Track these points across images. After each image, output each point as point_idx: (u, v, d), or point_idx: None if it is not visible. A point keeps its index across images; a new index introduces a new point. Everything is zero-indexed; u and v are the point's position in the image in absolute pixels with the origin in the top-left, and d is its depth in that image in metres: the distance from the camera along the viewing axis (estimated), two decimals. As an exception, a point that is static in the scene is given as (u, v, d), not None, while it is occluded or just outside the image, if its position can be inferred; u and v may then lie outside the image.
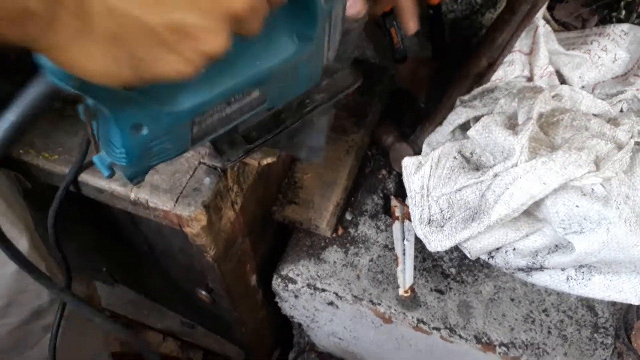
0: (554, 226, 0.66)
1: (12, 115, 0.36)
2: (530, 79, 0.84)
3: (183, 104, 0.42)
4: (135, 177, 0.50)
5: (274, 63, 0.46)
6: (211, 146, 0.60)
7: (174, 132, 0.45)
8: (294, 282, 0.91)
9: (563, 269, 0.71)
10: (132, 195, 0.66)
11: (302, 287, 0.91)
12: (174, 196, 0.65)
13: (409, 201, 0.76)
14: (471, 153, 0.72)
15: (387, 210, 0.96)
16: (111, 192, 0.67)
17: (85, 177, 0.67)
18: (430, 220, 0.72)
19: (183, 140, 0.47)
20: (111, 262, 1.16)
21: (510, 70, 0.83)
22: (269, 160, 0.66)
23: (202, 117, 0.46)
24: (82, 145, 0.63)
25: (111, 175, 0.48)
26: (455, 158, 0.72)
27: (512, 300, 0.85)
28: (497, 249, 0.75)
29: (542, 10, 0.87)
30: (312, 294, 0.91)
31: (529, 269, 0.74)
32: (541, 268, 0.71)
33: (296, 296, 0.94)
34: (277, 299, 0.99)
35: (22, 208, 0.70)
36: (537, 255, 0.71)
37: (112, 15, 0.28)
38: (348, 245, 0.93)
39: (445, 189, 0.71)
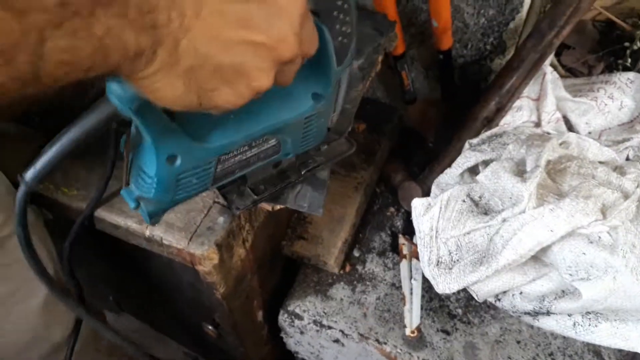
0: (560, 272, 0.67)
1: (75, 131, 0.42)
2: (537, 124, 0.86)
3: (214, 142, 0.49)
4: (156, 215, 0.54)
5: (292, 116, 0.54)
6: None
7: (202, 167, 0.50)
8: (300, 318, 0.92)
9: (570, 315, 0.71)
10: (147, 233, 0.67)
11: (309, 323, 0.91)
12: (188, 234, 0.66)
13: (417, 242, 0.77)
14: (480, 197, 0.73)
15: (395, 248, 0.97)
16: (127, 228, 0.68)
17: (102, 213, 0.68)
18: (438, 261, 0.73)
19: (207, 176, 0.52)
20: (119, 292, 1.16)
21: (518, 115, 0.85)
22: (279, 206, 0.69)
23: (227, 156, 0.52)
24: (99, 182, 0.65)
25: (136, 208, 0.52)
26: (464, 201, 0.73)
27: (518, 342, 0.85)
28: (504, 292, 0.75)
29: (551, 57, 0.89)
30: (318, 330, 0.91)
31: (535, 313, 0.74)
32: (548, 313, 0.72)
33: (302, 332, 0.94)
34: (282, 335, 0.99)
35: (47, 238, 0.73)
36: (544, 300, 0.71)
37: (195, 55, 0.35)
38: (355, 282, 0.94)
39: (454, 231, 0.72)
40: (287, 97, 0.53)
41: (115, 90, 0.38)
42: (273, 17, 0.37)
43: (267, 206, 0.71)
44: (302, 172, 0.68)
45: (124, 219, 0.68)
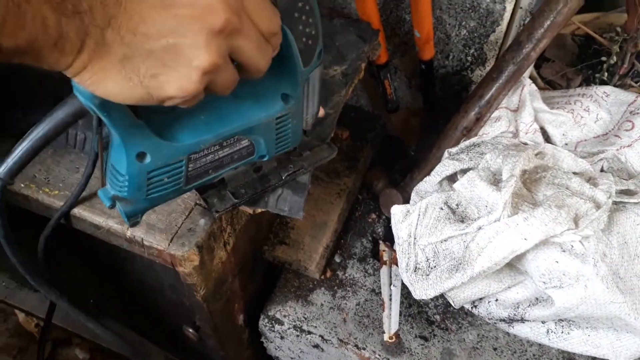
0: (534, 280, 0.68)
1: (43, 127, 0.44)
2: (515, 135, 0.88)
3: (182, 140, 0.50)
4: (134, 216, 0.55)
5: (262, 116, 0.55)
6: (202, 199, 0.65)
7: (172, 165, 0.51)
8: (280, 323, 0.92)
9: (543, 322, 0.73)
10: (128, 233, 0.67)
11: (289, 328, 0.91)
12: (169, 236, 0.67)
13: (396, 248, 0.78)
14: (457, 205, 0.75)
15: (376, 254, 0.99)
16: (108, 228, 0.68)
17: (83, 213, 0.69)
18: (416, 268, 0.75)
19: (179, 175, 0.53)
20: (99, 295, 1.16)
21: (497, 125, 0.87)
22: (260, 210, 0.69)
23: (197, 154, 0.53)
24: (80, 181, 0.66)
25: (112, 206, 0.53)
26: (441, 209, 0.74)
27: (495, 349, 0.86)
28: (481, 299, 0.77)
29: (530, 69, 0.92)
30: (298, 335, 0.91)
31: (510, 320, 0.76)
32: (522, 320, 0.73)
33: (282, 337, 0.95)
34: (262, 339, 0.99)
35: None
36: (518, 307, 0.73)
37: (123, 43, 0.35)
38: (336, 288, 0.95)
39: (431, 238, 0.73)
40: (257, 98, 0.55)
41: (78, 85, 0.39)
42: None
43: (248, 209, 0.72)
44: (283, 176, 0.69)
45: (105, 219, 0.68)
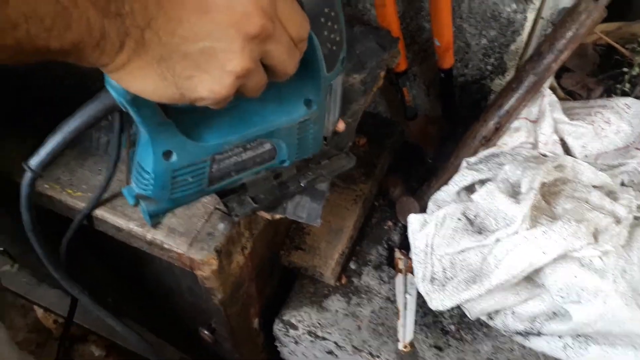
0: (552, 294, 0.68)
1: (75, 120, 0.45)
2: (535, 145, 0.87)
3: (208, 140, 0.51)
4: (156, 216, 0.56)
5: (284, 120, 0.56)
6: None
7: (197, 165, 0.52)
8: (295, 328, 0.93)
9: (560, 337, 0.73)
10: (149, 236, 0.69)
11: (303, 333, 0.92)
12: (188, 239, 0.68)
13: (412, 257, 0.78)
14: (475, 216, 0.75)
15: (391, 262, 0.99)
16: (129, 231, 0.69)
17: (105, 215, 0.70)
18: (432, 278, 0.75)
19: (203, 175, 0.54)
20: (118, 294, 1.18)
21: (516, 136, 0.86)
22: (278, 216, 0.70)
23: (221, 155, 0.54)
24: (102, 183, 0.67)
25: (136, 204, 0.54)
26: (459, 219, 0.74)
27: (510, 361, 0.86)
28: (497, 311, 0.76)
29: (550, 79, 0.91)
30: (313, 341, 0.92)
31: (527, 334, 0.75)
32: (539, 334, 0.73)
33: (296, 342, 0.95)
34: (277, 344, 1.00)
35: None
36: (535, 321, 0.72)
37: (161, 44, 0.36)
38: (351, 294, 0.95)
39: (448, 248, 0.73)
40: (281, 102, 0.55)
41: (111, 81, 0.40)
42: None
43: (266, 215, 0.73)
44: (302, 183, 0.69)
45: (126, 221, 0.69)
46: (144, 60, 0.37)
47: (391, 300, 0.93)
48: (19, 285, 1.43)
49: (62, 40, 0.33)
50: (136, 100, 0.42)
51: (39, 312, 1.45)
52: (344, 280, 0.96)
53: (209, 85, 0.40)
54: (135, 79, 0.38)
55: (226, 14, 0.37)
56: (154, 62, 0.37)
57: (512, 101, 0.86)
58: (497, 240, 0.68)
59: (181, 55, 0.37)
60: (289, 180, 0.69)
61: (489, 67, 1.00)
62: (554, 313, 0.71)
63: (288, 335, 0.94)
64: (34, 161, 0.46)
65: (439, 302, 0.73)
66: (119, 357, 1.41)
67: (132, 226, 0.69)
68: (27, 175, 0.48)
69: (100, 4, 0.33)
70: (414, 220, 0.78)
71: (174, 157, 0.49)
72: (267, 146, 0.58)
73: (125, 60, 0.36)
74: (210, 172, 0.54)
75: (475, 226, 0.74)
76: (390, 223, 1.05)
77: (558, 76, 1.08)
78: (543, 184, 0.72)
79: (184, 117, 0.49)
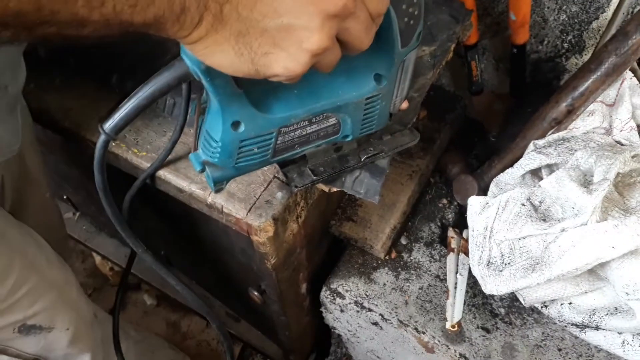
0: (616, 289, 0.65)
1: (150, 87, 0.45)
2: (609, 131, 0.83)
3: (276, 113, 0.51)
4: (220, 182, 0.57)
5: (352, 95, 0.55)
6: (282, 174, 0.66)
7: (264, 136, 0.52)
8: (342, 296, 0.94)
9: (620, 333, 0.70)
10: (209, 199, 0.70)
11: (350, 303, 0.93)
12: (247, 205, 0.69)
13: (469, 240, 0.77)
14: (540, 202, 0.72)
15: (443, 240, 0.97)
16: (190, 193, 0.71)
17: (168, 176, 0.71)
18: (489, 262, 0.73)
19: (268, 147, 0.54)
20: (171, 248, 1.22)
21: (589, 120, 0.82)
22: (336, 189, 0.70)
23: (287, 128, 0.54)
24: (167, 145, 0.69)
25: (202, 171, 0.55)
26: (523, 205, 0.72)
27: (560, 350, 0.84)
28: (553, 300, 0.74)
29: (633, 61, 0.85)
30: (359, 311, 0.93)
31: (583, 326, 0.73)
32: (597, 328, 0.71)
33: (342, 310, 0.96)
34: (322, 309, 1.02)
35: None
36: (594, 315, 0.70)
37: (240, 20, 0.37)
38: (400, 269, 0.95)
39: (509, 234, 0.71)
40: (350, 76, 0.54)
41: (187, 51, 0.41)
42: None
43: (324, 187, 0.72)
44: (362, 159, 0.68)
45: (188, 184, 0.70)
46: (221, 35, 0.37)
47: (440, 278, 0.93)
48: (80, 232, 1.51)
49: (145, 14, 0.33)
50: (210, 71, 0.42)
51: (97, 259, 1.53)
52: (393, 255, 0.96)
53: (285, 62, 0.39)
54: (213, 53, 0.38)
55: None
56: (232, 38, 0.37)
57: (588, 83, 0.81)
58: (563, 230, 0.65)
59: (259, 31, 0.37)
60: (349, 154, 0.68)
61: (566, 45, 0.94)
62: (616, 308, 0.69)
63: (334, 303, 0.95)
64: (109, 125, 0.47)
65: (493, 286, 0.72)
66: (169, 307, 1.48)
67: (194, 189, 0.71)
68: (102, 138, 0.49)
69: None
70: (474, 202, 0.76)
71: (242, 128, 0.50)
72: (332, 120, 0.57)
73: (203, 34, 0.36)
74: (275, 144, 0.55)
75: (539, 213, 0.71)
76: (445, 201, 1.03)
77: None
78: (617, 174, 0.68)
79: (254, 89, 0.49)
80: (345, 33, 0.41)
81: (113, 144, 0.75)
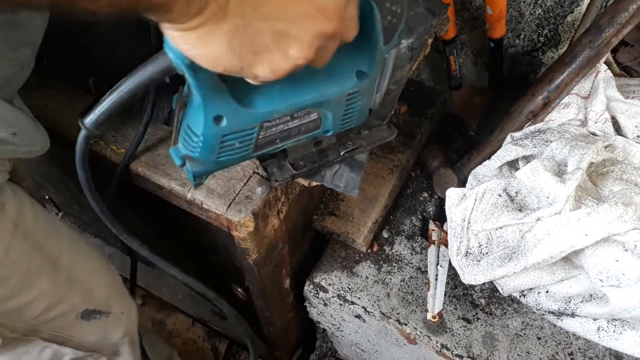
0: (590, 276, 0.67)
1: (132, 82, 0.45)
2: (584, 123, 0.84)
3: (258, 108, 0.51)
4: (200, 177, 0.57)
5: (334, 91, 0.55)
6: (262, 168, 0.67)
7: (246, 131, 0.52)
8: (325, 290, 0.94)
9: (595, 319, 0.72)
10: (189, 195, 0.70)
11: (333, 296, 0.94)
12: (227, 201, 0.69)
13: (448, 231, 0.78)
14: (516, 192, 0.73)
15: (424, 233, 0.98)
16: (170, 189, 0.71)
17: (147, 172, 0.71)
18: (467, 252, 0.74)
19: (250, 142, 0.54)
20: (154, 246, 1.21)
21: (565, 112, 0.83)
22: (315, 183, 0.70)
23: (269, 123, 0.54)
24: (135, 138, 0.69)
25: (182, 165, 0.54)
26: (500, 195, 0.73)
27: (539, 339, 0.85)
28: (530, 289, 0.76)
29: (606, 54, 0.87)
30: (342, 304, 0.93)
31: (560, 314, 0.74)
32: (573, 315, 0.72)
33: (325, 304, 0.97)
34: (306, 304, 1.02)
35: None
36: (569, 302, 0.71)
37: (242, 15, 0.37)
38: (382, 262, 0.96)
39: (486, 224, 0.72)
40: (332, 73, 0.54)
41: (171, 44, 0.41)
42: None
43: (303, 181, 0.73)
44: (341, 153, 0.69)
45: (167, 180, 0.70)
46: (219, 27, 0.37)
47: (422, 270, 0.94)
48: (62, 232, 1.48)
49: None
50: (194, 65, 0.42)
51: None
52: (375, 248, 0.97)
53: (270, 65, 0.41)
54: (204, 44, 0.38)
55: (310, 6, 0.39)
56: (229, 31, 0.37)
57: (564, 76, 0.82)
58: (538, 219, 0.66)
59: (256, 30, 0.38)
60: (328, 148, 0.69)
61: (542, 39, 0.96)
62: (591, 295, 0.70)
63: (318, 297, 0.96)
64: (89, 120, 0.46)
65: (471, 276, 0.73)
66: (154, 306, 1.47)
67: (173, 185, 0.71)
68: (82, 134, 0.48)
69: None
70: (452, 194, 0.77)
71: (224, 122, 0.49)
72: (314, 116, 0.58)
73: (200, 23, 0.36)
74: (257, 138, 0.55)
75: (515, 203, 0.72)
76: (426, 194, 1.04)
77: (614, 50, 1.03)
78: (591, 164, 0.70)
79: (236, 83, 0.48)
80: (320, 51, 0.43)
81: (92, 141, 0.74)
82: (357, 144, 0.69)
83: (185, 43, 0.39)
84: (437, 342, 0.87)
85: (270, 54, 0.40)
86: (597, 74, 0.86)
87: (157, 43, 0.43)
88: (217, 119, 0.49)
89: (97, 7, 0.33)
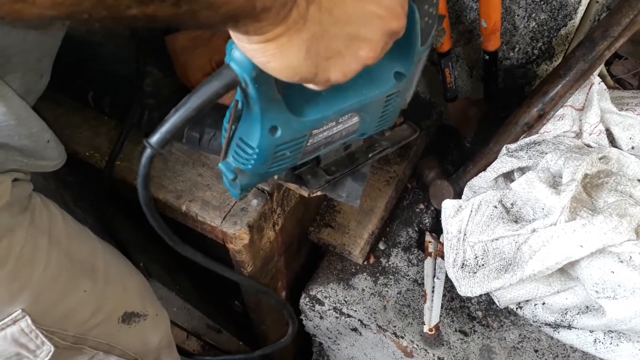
0: (586, 288, 0.66)
1: (197, 98, 0.44)
2: (579, 135, 0.85)
3: (309, 116, 0.52)
4: (246, 189, 0.56)
5: (375, 94, 0.56)
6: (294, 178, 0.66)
7: (297, 140, 0.53)
8: (321, 303, 0.94)
9: (591, 331, 0.71)
10: (184, 208, 0.70)
11: (329, 309, 0.93)
12: (222, 213, 0.69)
13: (444, 243, 0.78)
14: (512, 204, 0.73)
15: (421, 245, 0.98)
16: (164, 202, 0.71)
17: (142, 184, 0.71)
18: (463, 264, 0.74)
19: (299, 150, 0.55)
20: (149, 258, 1.21)
21: (560, 124, 0.84)
22: (318, 193, 0.70)
23: (317, 130, 0.55)
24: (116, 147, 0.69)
25: (234, 179, 0.54)
26: (495, 207, 0.73)
27: (536, 351, 0.85)
28: (527, 301, 0.75)
29: (599, 67, 0.87)
30: (338, 317, 0.93)
31: (556, 326, 0.74)
32: (569, 327, 0.72)
33: (321, 317, 0.96)
34: (302, 317, 1.01)
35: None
36: (566, 314, 0.71)
37: (320, 22, 0.37)
38: (378, 274, 0.95)
39: (482, 236, 0.72)
40: (372, 75, 0.55)
41: (237, 57, 0.41)
42: None
43: (304, 192, 0.72)
44: (369, 155, 0.69)
45: (163, 193, 0.70)
46: (298, 36, 0.36)
47: (418, 282, 0.93)
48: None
49: (234, 4, 0.31)
50: (259, 77, 0.42)
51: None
52: (372, 260, 0.97)
53: (342, 68, 0.41)
54: (284, 54, 0.37)
55: (378, 6, 0.40)
56: (306, 39, 0.37)
57: (558, 88, 0.83)
58: (534, 230, 0.66)
59: (331, 35, 0.38)
60: (357, 151, 0.69)
61: (536, 52, 0.96)
62: (587, 307, 0.70)
63: (313, 310, 0.95)
64: (155, 139, 0.44)
65: (468, 288, 0.72)
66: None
67: (168, 197, 0.71)
68: (147, 153, 0.46)
69: None
70: (448, 206, 0.77)
71: (279, 133, 0.49)
72: (355, 119, 0.58)
73: (281, 32, 0.35)
74: (305, 146, 0.55)
75: (511, 215, 0.72)
76: (422, 206, 1.04)
77: (608, 63, 1.04)
78: (585, 176, 0.70)
79: (288, 93, 0.49)
80: (385, 49, 0.43)
81: (87, 153, 0.74)
82: (384, 146, 0.70)
83: (264, 55, 0.37)
84: (434, 355, 0.86)
85: (341, 58, 0.40)
86: (591, 87, 0.86)
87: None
88: (273, 129, 0.49)
89: (216, 17, 0.31)
